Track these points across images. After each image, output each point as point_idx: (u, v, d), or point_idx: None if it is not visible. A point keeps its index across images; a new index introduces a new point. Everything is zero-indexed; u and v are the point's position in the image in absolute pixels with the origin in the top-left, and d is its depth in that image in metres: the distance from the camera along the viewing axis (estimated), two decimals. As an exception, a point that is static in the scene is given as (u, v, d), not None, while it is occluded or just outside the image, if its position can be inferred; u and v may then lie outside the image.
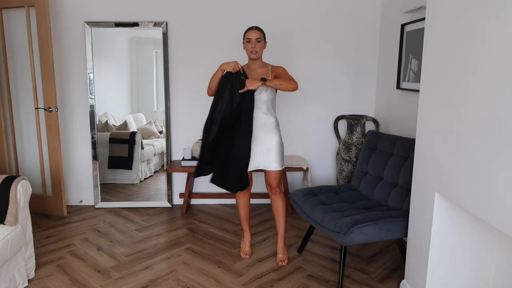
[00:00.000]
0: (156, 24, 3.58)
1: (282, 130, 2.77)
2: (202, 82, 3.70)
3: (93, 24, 3.55)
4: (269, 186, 2.67)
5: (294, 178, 3.92)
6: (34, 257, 2.49)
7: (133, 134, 3.86)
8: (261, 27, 2.61)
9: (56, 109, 3.35)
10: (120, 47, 3.75)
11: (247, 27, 2.61)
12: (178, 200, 3.90)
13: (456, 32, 1.75)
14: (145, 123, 3.91)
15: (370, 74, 3.76)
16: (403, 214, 2.34)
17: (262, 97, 2.54)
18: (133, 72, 3.83)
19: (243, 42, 2.57)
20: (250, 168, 2.56)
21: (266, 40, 2.62)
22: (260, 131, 2.56)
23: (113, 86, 3.82)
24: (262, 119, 2.56)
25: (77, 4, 3.55)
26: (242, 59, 2.72)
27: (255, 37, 2.51)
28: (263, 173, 2.82)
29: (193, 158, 3.63)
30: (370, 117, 3.65)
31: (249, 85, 2.39)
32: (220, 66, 2.47)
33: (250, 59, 2.58)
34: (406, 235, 2.30)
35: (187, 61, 3.68)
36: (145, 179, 3.97)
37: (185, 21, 3.62)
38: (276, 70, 2.62)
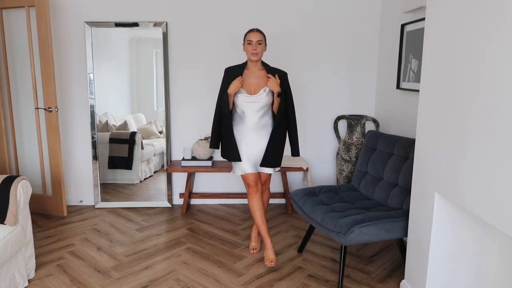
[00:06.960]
0: (156, 24, 3.58)
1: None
2: (202, 82, 3.71)
3: (93, 24, 3.55)
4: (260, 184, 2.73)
5: (294, 178, 3.92)
6: (34, 257, 2.49)
7: (133, 134, 3.86)
8: (261, 29, 2.62)
9: (56, 109, 3.35)
10: (120, 47, 3.75)
11: (248, 28, 2.62)
12: (178, 200, 3.89)
13: (456, 32, 1.75)
14: (145, 123, 3.91)
15: (370, 74, 3.76)
16: (403, 214, 2.34)
17: (262, 101, 2.57)
18: (133, 72, 3.83)
19: (243, 44, 2.57)
20: (252, 171, 2.64)
21: (267, 43, 2.62)
22: (256, 134, 2.61)
23: (113, 86, 3.82)
24: (260, 122, 2.61)
25: (77, 4, 3.54)
26: (242, 59, 2.72)
27: (256, 39, 2.51)
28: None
29: (193, 158, 3.63)
30: (370, 117, 3.65)
31: (271, 86, 2.51)
32: (229, 92, 2.52)
33: (250, 60, 2.58)
34: (406, 235, 2.30)
35: (187, 61, 3.68)
36: (145, 179, 3.97)
37: (185, 21, 3.62)
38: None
